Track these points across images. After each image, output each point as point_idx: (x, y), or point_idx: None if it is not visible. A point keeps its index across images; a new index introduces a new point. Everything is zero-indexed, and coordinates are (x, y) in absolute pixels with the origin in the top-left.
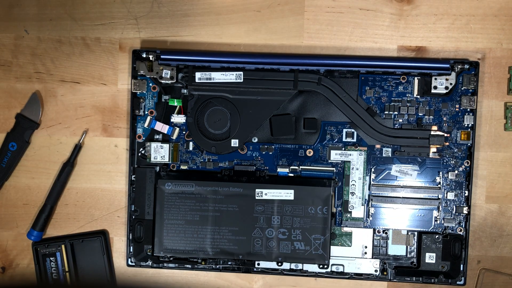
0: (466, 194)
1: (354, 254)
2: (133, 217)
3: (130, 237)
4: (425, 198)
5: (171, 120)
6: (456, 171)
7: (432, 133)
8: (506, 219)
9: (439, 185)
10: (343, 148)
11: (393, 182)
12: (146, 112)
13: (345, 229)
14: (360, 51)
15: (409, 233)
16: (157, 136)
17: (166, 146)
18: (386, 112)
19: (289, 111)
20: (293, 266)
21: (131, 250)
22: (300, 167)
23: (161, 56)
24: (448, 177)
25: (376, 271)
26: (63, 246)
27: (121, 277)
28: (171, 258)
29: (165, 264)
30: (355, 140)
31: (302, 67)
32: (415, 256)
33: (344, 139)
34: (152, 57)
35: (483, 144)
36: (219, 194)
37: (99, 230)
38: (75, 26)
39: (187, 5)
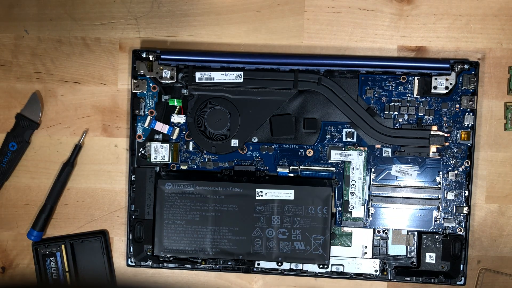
0: (466, 194)
1: (354, 254)
2: (133, 217)
3: (130, 237)
4: (425, 198)
5: (171, 120)
6: (456, 171)
7: (432, 133)
8: (506, 219)
9: (439, 185)
10: (343, 148)
11: (393, 182)
12: (146, 112)
13: (345, 229)
14: (360, 51)
15: (409, 233)
16: (157, 136)
17: (166, 146)
18: (386, 112)
19: (289, 111)
20: (293, 266)
21: (131, 250)
22: (300, 167)
23: (161, 56)
24: (448, 177)
25: (376, 271)
26: (63, 246)
27: (121, 277)
28: (171, 258)
29: (165, 264)
30: (355, 140)
31: (302, 67)
32: (415, 256)
33: (344, 139)
34: (152, 57)
35: (483, 144)
36: (219, 194)
37: (99, 230)
38: (75, 26)
39: (187, 5)
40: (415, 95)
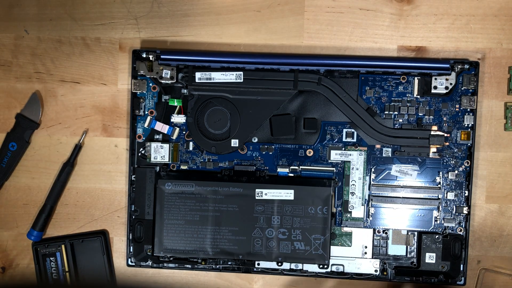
0: (466, 194)
1: (354, 254)
2: (133, 217)
3: (130, 237)
4: (425, 198)
5: (171, 120)
6: (456, 171)
7: (432, 133)
8: (506, 219)
9: (439, 185)
10: (343, 148)
11: (393, 182)
12: (146, 112)
13: (345, 229)
14: (360, 51)
15: (409, 233)
16: (157, 136)
17: (166, 146)
18: (386, 112)
19: (289, 111)
20: (293, 266)
21: (131, 250)
22: (300, 167)
23: (161, 56)
24: (448, 177)
25: (376, 271)
26: (63, 246)
27: (121, 277)
28: (171, 258)
29: (165, 264)
30: (355, 140)
31: (302, 67)
32: (415, 256)
33: (344, 139)
34: (152, 57)
35: (483, 144)
36: (219, 194)
37: (99, 230)
38: (75, 26)
39: (187, 5)
40: (415, 95)
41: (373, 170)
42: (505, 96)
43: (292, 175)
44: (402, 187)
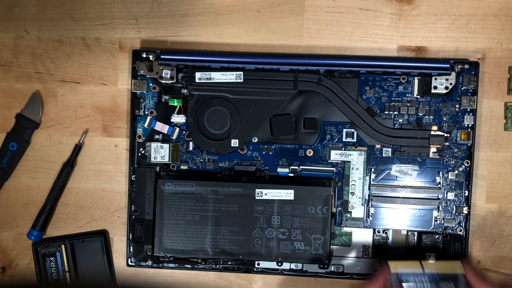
0: (466, 194)
1: (354, 254)
2: (133, 217)
3: (130, 237)
4: (425, 198)
5: (171, 120)
6: (456, 171)
7: (432, 133)
8: (506, 219)
9: (439, 185)
10: (343, 148)
11: (393, 182)
12: (146, 112)
13: (345, 229)
14: (360, 51)
15: (409, 233)
16: (157, 136)
17: (166, 146)
18: (386, 112)
19: (289, 111)
20: (293, 266)
21: (131, 250)
22: (300, 167)
23: (161, 56)
24: (448, 177)
25: (376, 271)
26: (63, 246)
27: (121, 277)
28: (171, 258)
29: (165, 264)
30: (355, 140)
31: (302, 67)
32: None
33: (344, 139)
34: (152, 57)
35: (483, 144)
36: (219, 194)
37: (99, 230)
38: (75, 26)
39: (187, 5)
40: (415, 95)
41: (373, 170)
42: (505, 96)
43: (292, 175)
44: (402, 187)
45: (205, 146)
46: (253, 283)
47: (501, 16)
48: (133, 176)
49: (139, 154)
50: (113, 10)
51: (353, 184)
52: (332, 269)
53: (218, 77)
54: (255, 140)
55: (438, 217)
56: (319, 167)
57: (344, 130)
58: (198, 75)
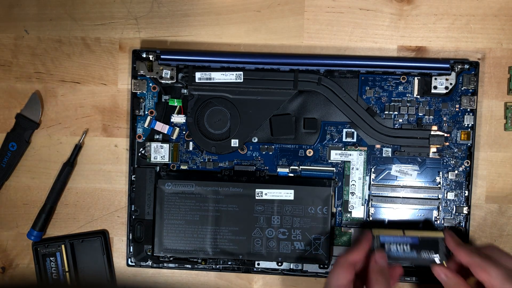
0: (466, 194)
1: None
2: (133, 217)
3: (130, 237)
4: (425, 198)
5: (171, 120)
6: (456, 171)
7: (432, 133)
8: (506, 219)
9: (439, 185)
10: (343, 148)
11: (393, 182)
12: (146, 112)
13: (345, 229)
14: (360, 51)
15: None
16: (157, 136)
17: (166, 146)
18: (386, 112)
19: (289, 111)
20: (293, 266)
21: (131, 250)
22: (300, 167)
23: (161, 56)
24: (448, 177)
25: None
26: (63, 246)
27: (121, 277)
28: (171, 258)
29: (165, 264)
30: (355, 140)
31: (302, 67)
32: None
33: (344, 139)
34: (152, 57)
35: (483, 144)
36: (219, 194)
37: (99, 230)
38: (75, 26)
39: (187, 5)
40: (415, 95)
41: (373, 170)
42: (505, 96)
43: (292, 175)
44: (402, 187)
45: (205, 146)
46: (253, 283)
47: (501, 16)
48: (133, 176)
49: (139, 154)
50: (113, 10)
51: (353, 184)
52: None
53: (218, 77)
54: (255, 140)
55: (438, 217)
56: (319, 167)
57: (344, 130)
58: (198, 75)
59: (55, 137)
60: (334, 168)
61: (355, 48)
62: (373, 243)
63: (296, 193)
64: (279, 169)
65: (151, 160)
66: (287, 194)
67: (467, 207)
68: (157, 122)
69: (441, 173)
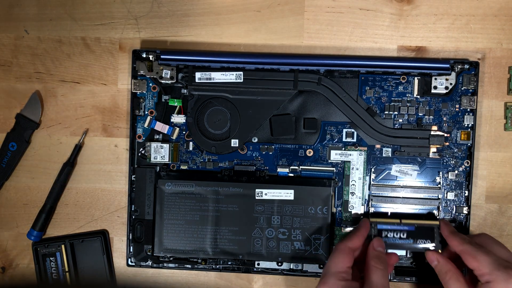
0: (466, 194)
1: None
2: (133, 217)
3: (130, 237)
4: (425, 198)
5: (171, 120)
6: (456, 171)
7: (432, 133)
8: (506, 219)
9: (439, 185)
10: (343, 148)
11: (393, 182)
12: (146, 112)
13: (345, 229)
14: (360, 51)
15: None
16: (157, 136)
17: (166, 146)
18: (386, 112)
19: (289, 111)
20: (293, 266)
21: (131, 250)
22: (300, 167)
23: (161, 56)
24: (448, 177)
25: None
26: (63, 246)
27: (121, 277)
28: (171, 258)
29: (165, 264)
30: (355, 140)
31: (302, 67)
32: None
33: (344, 139)
34: (152, 57)
35: (483, 144)
36: (219, 194)
37: (99, 230)
38: (75, 26)
39: (187, 5)
40: (415, 95)
41: (373, 170)
42: (505, 96)
43: (292, 175)
44: (402, 187)
45: (205, 146)
46: (253, 283)
47: (501, 16)
48: (133, 176)
49: (139, 154)
50: (113, 10)
51: (353, 184)
52: None
53: (218, 77)
54: (255, 140)
55: (438, 217)
56: (319, 167)
57: (344, 130)
58: (198, 75)
59: (55, 137)
60: (334, 168)
61: (355, 48)
62: (371, 230)
63: (296, 193)
64: (279, 169)
65: (151, 160)
66: (287, 194)
67: (467, 207)
68: (157, 122)
69: (441, 173)
